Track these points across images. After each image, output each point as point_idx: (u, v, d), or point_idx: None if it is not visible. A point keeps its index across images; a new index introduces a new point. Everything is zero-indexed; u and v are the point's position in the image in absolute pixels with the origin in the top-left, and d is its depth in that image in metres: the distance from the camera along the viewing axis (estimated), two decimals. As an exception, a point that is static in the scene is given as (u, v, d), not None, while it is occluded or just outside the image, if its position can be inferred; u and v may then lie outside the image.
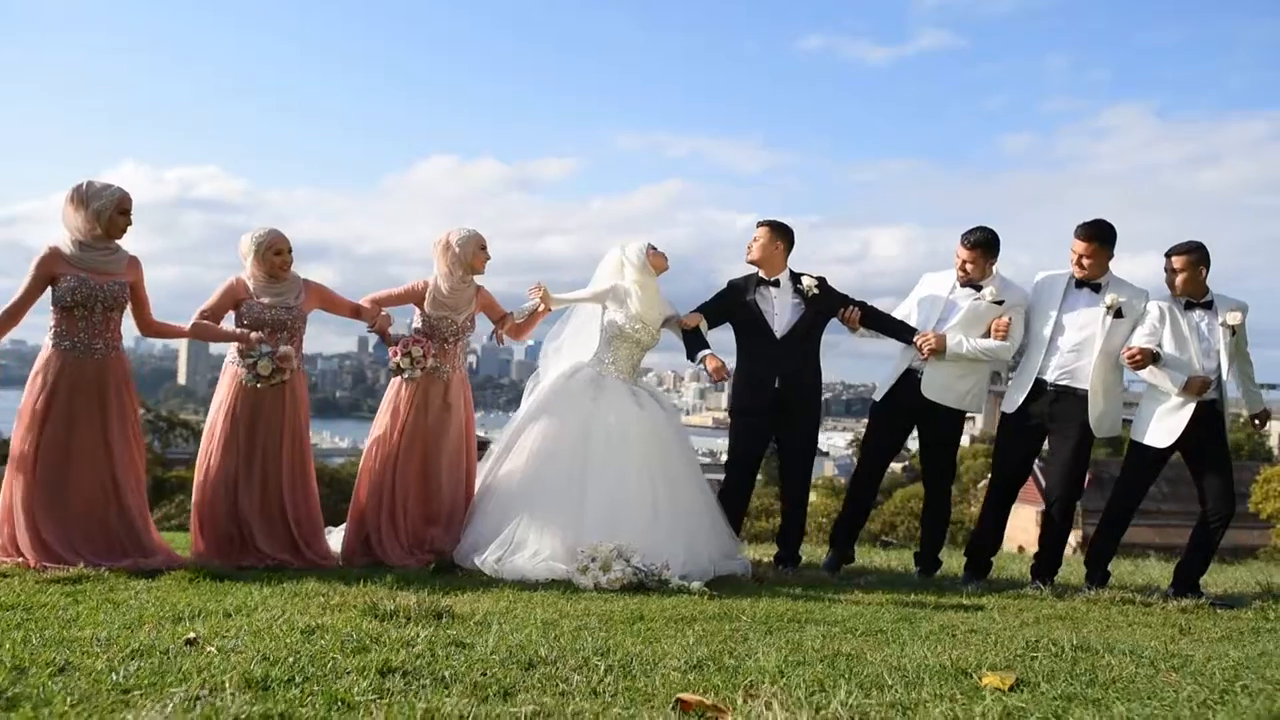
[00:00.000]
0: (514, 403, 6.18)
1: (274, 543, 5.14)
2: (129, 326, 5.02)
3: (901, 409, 5.81)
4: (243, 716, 2.00)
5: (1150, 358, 5.19)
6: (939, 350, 5.58)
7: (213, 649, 2.74)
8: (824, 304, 5.78)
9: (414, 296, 5.59)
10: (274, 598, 3.92)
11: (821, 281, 5.80)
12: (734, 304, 5.81)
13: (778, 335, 5.70)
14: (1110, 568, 5.69)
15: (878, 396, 6.00)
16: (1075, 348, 5.44)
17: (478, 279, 5.65)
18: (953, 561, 6.13)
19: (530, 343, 6.58)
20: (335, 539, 5.61)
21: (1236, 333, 5.26)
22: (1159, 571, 6.87)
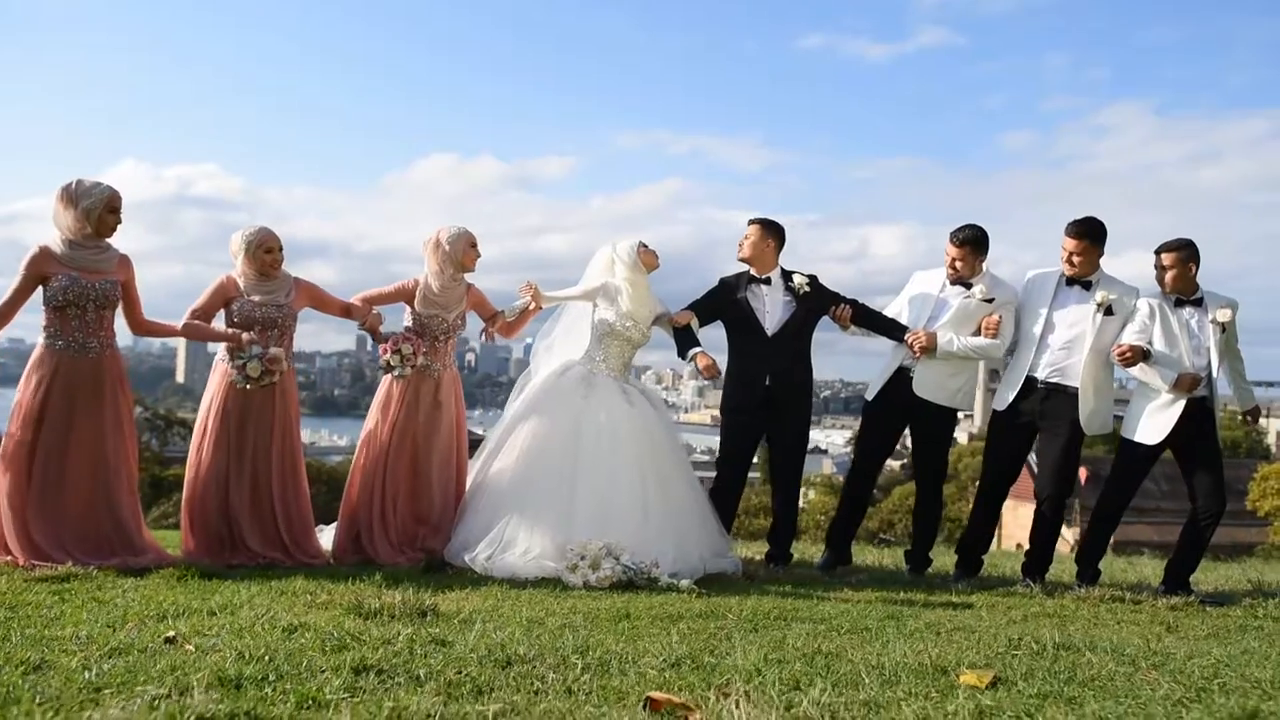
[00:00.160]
0: (513, 401, 6.16)
1: (264, 541, 5.14)
2: (121, 325, 5.03)
3: (894, 407, 5.81)
4: (208, 715, 2.00)
5: (1140, 355, 5.20)
6: (930, 349, 5.58)
7: (191, 647, 2.75)
8: (815, 302, 5.78)
9: (405, 295, 5.59)
10: (260, 596, 3.92)
11: (813, 279, 5.80)
12: (725, 302, 5.81)
13: (769, 333, 5.70)
14: (1104, 565, 5.70)
15: (870, 395, 6.00)
16: (1066, 345, 5.44)
17: (468, 277, 5.65)
18: (946, 559, 6.14)
19: (528, 341, 6.59)
20: (327, 537, 5.61)
21: (1227, 330, 5.26)
22: (1152, 569, 6.88)
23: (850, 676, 2.71)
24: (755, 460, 6.17)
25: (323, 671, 2.48)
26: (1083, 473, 21.35)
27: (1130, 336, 5.29)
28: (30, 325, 4.95)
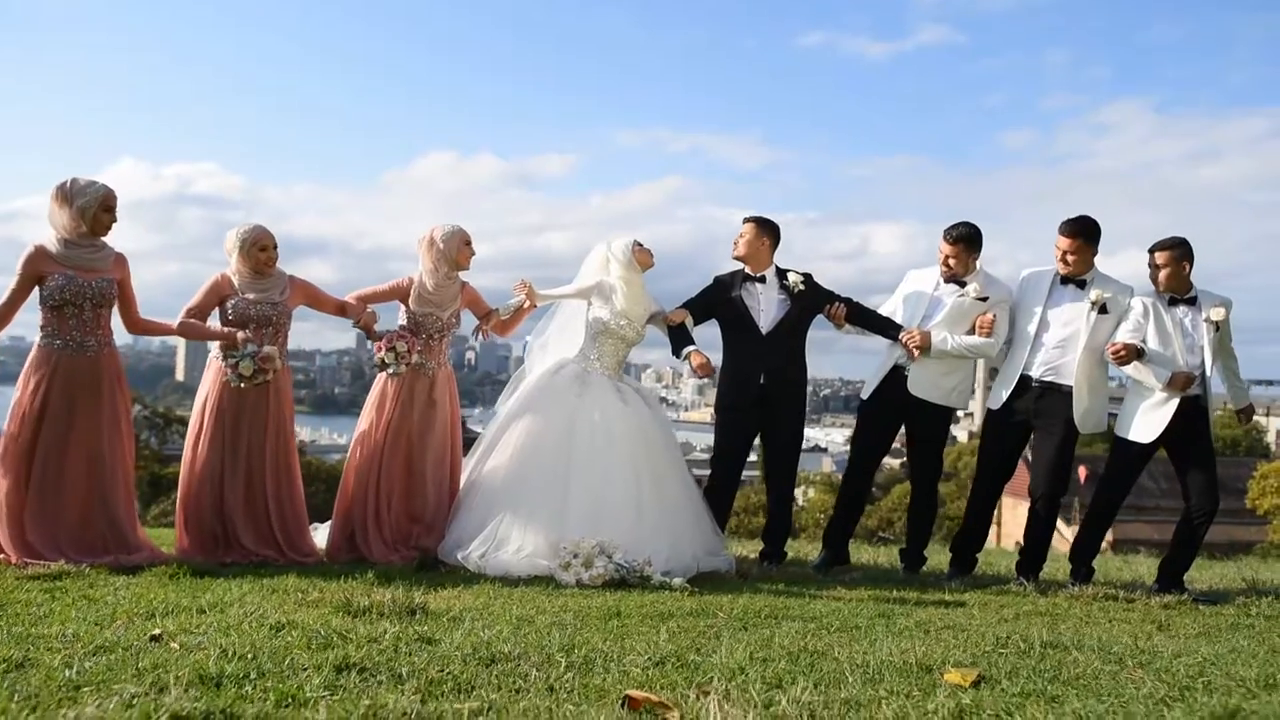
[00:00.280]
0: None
1: (258, 539, 5.14)
2: (117, 323, 5.03)
3: (889, 406, 5.81)
4: (183, 713, 2.00)
5: (1134, 353, 5.20)
6: (924, 347, 5.58)
7: (175, 645, 2.75)
8: (810, 300, 5.78)
9: (399, 293, 5.59)
10: (252, 594, 3.93)
11: (807, 278, 5.79)
12: (719, 300, 5.81)
13: (763, 331, 5.70)
14: (1100, 564, 5.70)
15: (865, 394, 6.00)
16: (1060, 344, 5.44)
17: (463, 275, 5.65)
18: (942, 558, 6.13)
19: (528, 339, 6.59)
20: (321, 535, 5.62)
21: (1220, 328, 5.26)
22: (1147, 568, 6.88)
23: (834, 675, 2.71)
24: (755, 459, 6.16)
25: (304, 670, 2.49)
26: (1082, 471, 21.36)
27: (1124, 335, 5.29)
28: (30, 324, 4.96)
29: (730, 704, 2.24)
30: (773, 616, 3.95)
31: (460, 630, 3.21)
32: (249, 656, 2.62)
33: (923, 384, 5.68)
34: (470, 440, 5.89)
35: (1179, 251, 5.27)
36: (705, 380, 6.03)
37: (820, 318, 5.87)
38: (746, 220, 5.89)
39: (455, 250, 5.51)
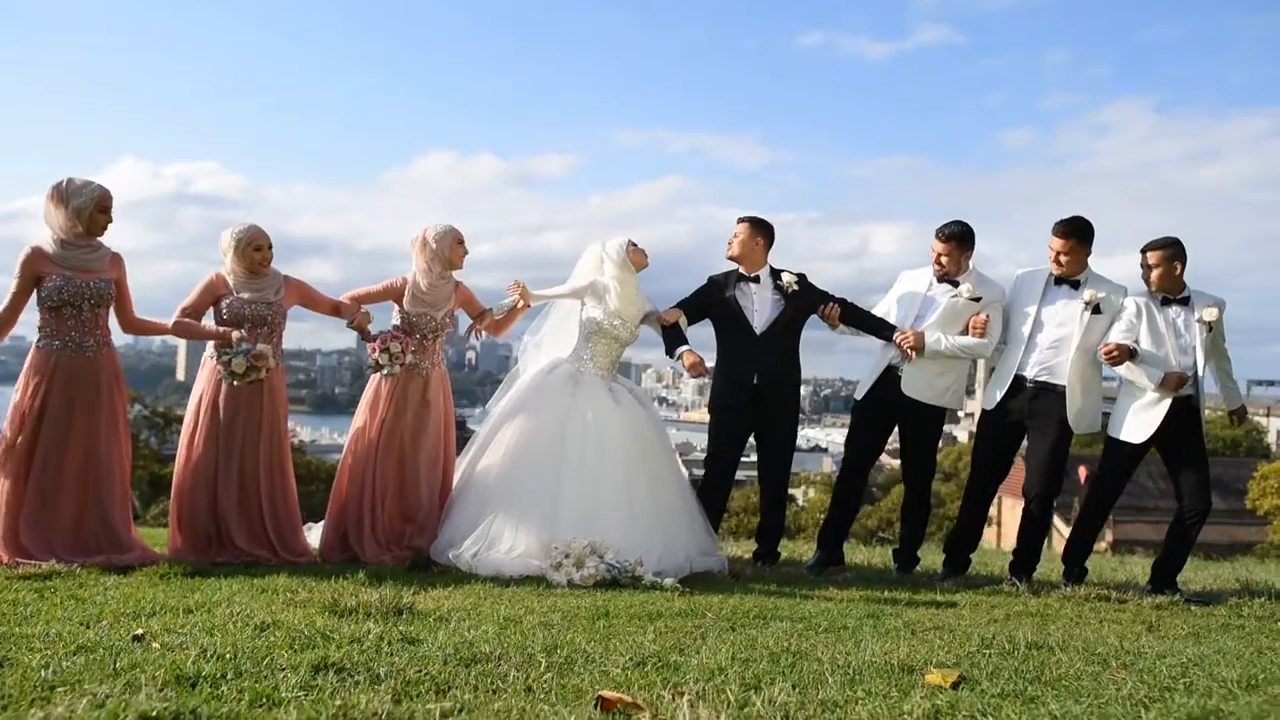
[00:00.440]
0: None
1: (250, 539, 5.15)
2: (113, 323, 5.03)
3: (883, 406, 5.80)
4: (152, 713, 1.99)
5: (1127, 354, 5.20)
6: (918, 348, 5.58)
7: (157, 646, 2.75)
8: (804, 300, 5.78)
9: (393, 293, 5.60)
10: (241, 594, 3.93)
11: (801, 278, 5.79)
12: (713, 300, 5.81)
13: (757, 331, 5.70)
14: (1097, 564, 5.69)
15: (859, 394, 6.00)
16: (1054, 344, 5.44)
17: (457, 274, 5.65)
18: (937, 558, 6.12)
19: (525, 338, 6.59)
20: (315, 535, 5.62)
21: (1213, 329, 5.25)
22: (1141, 568, 6.86)
23: (814, 676, 2.70)
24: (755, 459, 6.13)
25: (282, 670, 2.49)
26: (1082, 471, 21.33)
27: (1117, 335, 5.29)
28: (31, 324, 4.96)
29: (704, 705, 2.24)
30: (761, 617, 3.95)
31: (444, 630, 3.21)
32: (228, 657, 2.62)
33: (917, 384, 5.68)
34: (467, 439, 5.89)
35: (1171, 251, 5.27)
36: (705, 380, 6.02)
37: (814, 318, 5.88)
38: (741, 220, 5.90)
39: (448, 249, 5.51)
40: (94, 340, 4.84)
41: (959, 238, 5.61)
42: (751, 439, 5.92)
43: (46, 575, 4.24)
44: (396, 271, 5.65)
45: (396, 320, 5.58)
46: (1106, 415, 5.59)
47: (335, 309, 5.54)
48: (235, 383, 5.00)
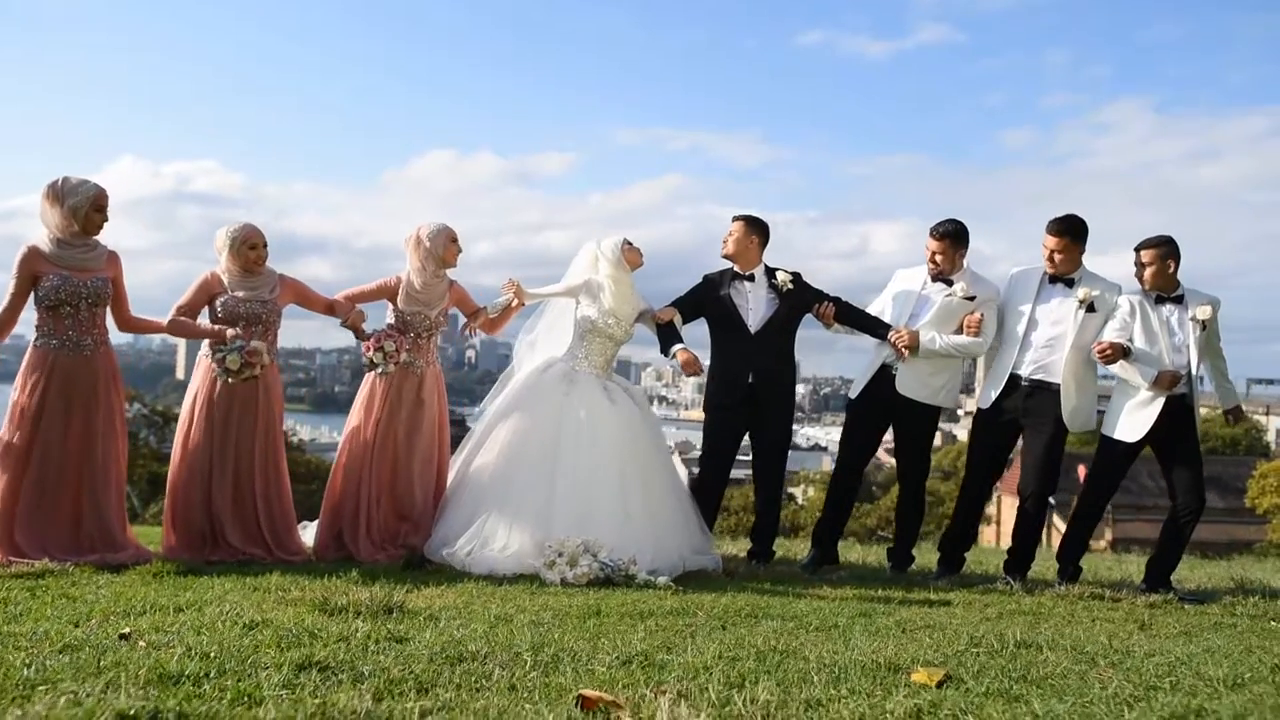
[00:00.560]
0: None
1: (245, 537, 5.15)
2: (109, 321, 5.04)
3: (877, 405, 5.80)
4: (130, 712, 1.99)
5: (1121, 352, 5.20)
6: (913, 347, 5.58)
7: (143, 644, 2.75)
8: (798, 299, 5.78)
9: (387, 292, 5.60)
10: (233, 593, 3.93)
11: (796, 276, 5.79)
12: (708, 298, 5.81)
13: (752, 330, 5.70)
14: (1094, 563, 5.69)
15: (853, 393, 6.00)
16: (1049, 343, 5.44)
17: (451, 273, 5.65)
18: (933, 556, 6.12)
19: (522, 337, 6.58)
20: (310, 533, 5.63)
21: (1207, 328, 5.25)
22: (1136, 567, 6.86)
23: (799, 674, 2.70)
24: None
25: (265, 668, 2.49)
26: (1081, 470, 21.32)
27: (1111, 334, 5.29)
28: (30, 322, 4.97)
29: (685, 703, 2.24)
30: (753, 615, 3.95)
31: (433, 629, 3.21)
32: (212, 655, 2.62)
33: (911, 383, 5.68)
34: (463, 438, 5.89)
35: (1164, 250, 5.27)
36: (704, 379, 6.02)
37: (809, 317, 5.88)
38: (736, 219, 5.90)
39: (442, 248, 5.51)
40: (91, 339, 4.85)
41: (953, 236, 5.62)
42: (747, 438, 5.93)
43: (39, 574, 4.25)
44: (395, 270, 5.65)
45: (391, 319, 5.59)
46: (1102, 414, 5.59)
47: (330, 308, 5.55)
48: (230, 380, 5.01)
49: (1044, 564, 6.15)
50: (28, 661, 2.47)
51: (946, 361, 5.70)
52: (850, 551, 7.25)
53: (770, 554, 5.94)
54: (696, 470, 6.15)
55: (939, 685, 2.67)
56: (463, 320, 5.89)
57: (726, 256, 5.83)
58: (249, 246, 5.20)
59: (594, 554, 4.79)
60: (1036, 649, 3.33)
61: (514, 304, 5.72)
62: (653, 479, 5.43)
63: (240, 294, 5.19)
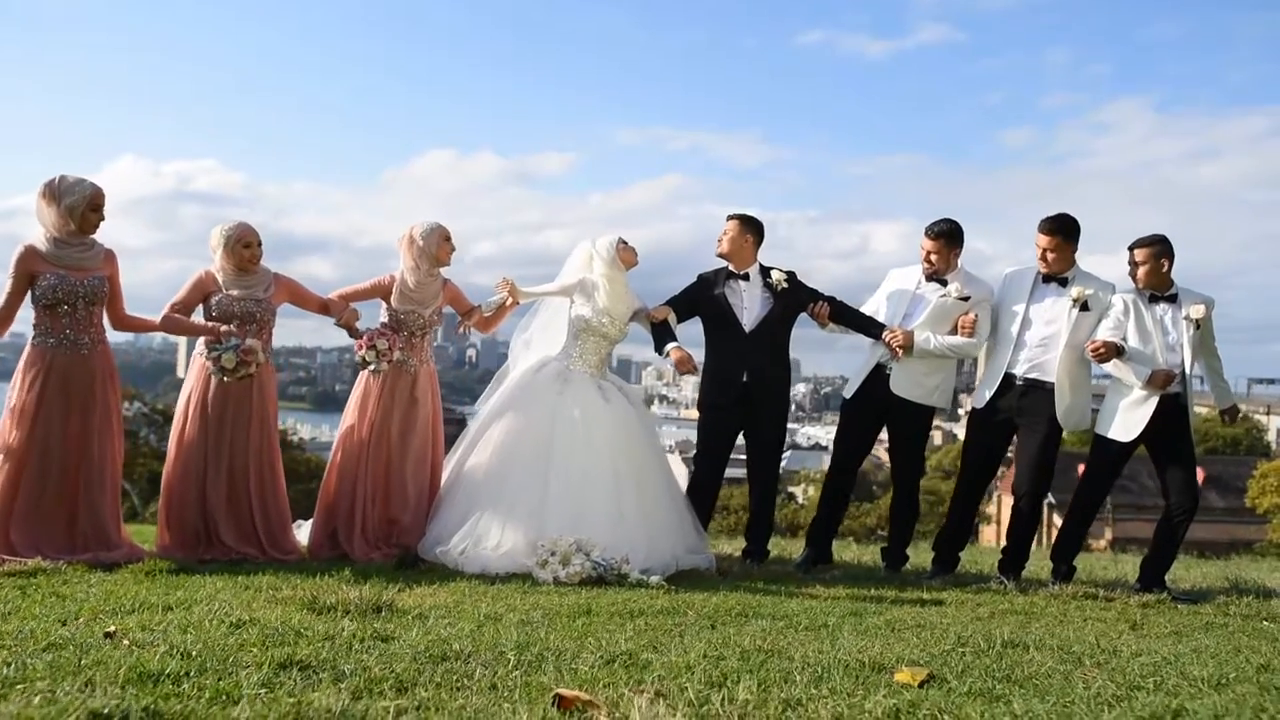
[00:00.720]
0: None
1: (239, 536, 5.15)
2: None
3: (871, 405, 5.80)
4: (103, 710, 1.99)
5: (1114, 351, 5.19)
6: (907, 347, 5.58)
7: (127, 643, 2.75)
8: (793, 298, 5.78)
9: (381, 291, 5.60)
10: (224, 592, 3.93)
11: (791, 276, 5.79)
12: (703, 297, 5.81)
13: (746, 329, 5.70)
14: (1088, 562, 5.68)
15: (848, 393, 6.00)
16: (1043, 342, 5.44)
17: (444, 271, 5.65)
18: (928, 556, 6.10)
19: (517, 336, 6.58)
20: (304, 532, 5.63)
21: (1201, 327, 5.25)
22: (1132, 566, 6.86)
23: (782, 674, 2.70)
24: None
25: (246, 667, 2.49)
26: (1081, 469, 21.27)
27: (1104, 332, 5.28)
28: (30, 320, 4.97)
29: (663, 703, 2.24)
30: (743, 615, 3.94)
31: (419, 628, 3.21)
32: (194, 654, 2.62)
33: (905, 383, 5.68)
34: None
35: (1158, 249, 5.27)
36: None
37: (804, 316, 5.88)
38: (731, 218, 5.90)
39: (435, 247, 5.51)
40: (88, 338, 4.85)
41: (948, 235, 5.62)
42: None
43: (32, 573, 4.24)
44: (396, 270, 5.64)
45: (384, 318, 5.59)
46: (1096, 413, 5.59)
47: (324, 307, 5.55)
48: (225, 378, 5.01)
49: (1040, 563, 6.14)
50: (9, 660, 2.47)
51: (941, 362, 5.70)
52: (846, 551, 7.25)
53: (765, 553, 5.94)
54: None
55: (921, 685, 2.67)
56: (458, 319, 5.89)
57: (721, 255, 5.83)
58: (243, 245, 5.21)
59: (587, 553, 4.79)
60: (1023, 649, 3.33)
61: (508, 303, 5.73)
62: (647, 478, 5.43)
63: (235, 292, 5.20)
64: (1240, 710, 2.46)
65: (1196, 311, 5.20)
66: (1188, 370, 5.21)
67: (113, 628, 2.95)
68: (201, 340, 5.18)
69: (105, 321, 5.03)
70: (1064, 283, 5.43)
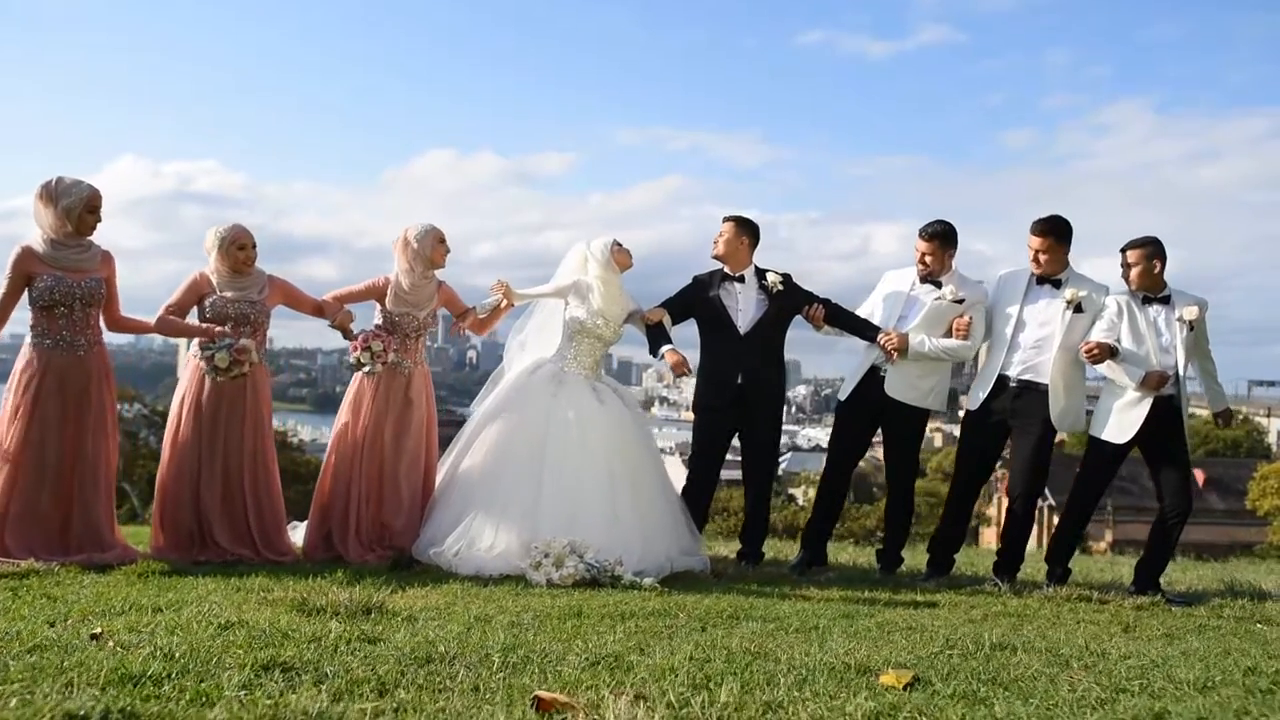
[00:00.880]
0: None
1: (233, 538, 5.15)
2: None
3: (866, 407, 5.80)
4: (79, 712, 1.99)
5: (1108, 352, 5.20)
6: (902, 349, 5.58)
7: (112, 644, 2.75)
8: (788, 300, 5.78)
9: (375, 293, 5.60)
10: (215, 593, 3.93)
11: (786, 278, 5.79)
12: (698, 299, 5.81)
13: (741, 331, 5.70)
14: (1084, 564, 5.67)
15: (843, 395, 6.00)
16: (1037, 344, 5.44)
17: (440, 274, 5.65)
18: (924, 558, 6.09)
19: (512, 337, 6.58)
20: (299, 534, 5.63)
21: (1195, 329, 5.25)
22: (1128, 569, 6.86)
23: (766, 676, 2.69)
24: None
25: (229, 669, 2.49)
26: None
27: (1098, 334, 5.29)
28: (26, 321, 4.99)
29: (642, 705, 2.23)
30: (734, 617, 3.93)
31: (407, 630, 3.21)
32: (178, 655, 2.62)
33: (900, 386, 5.68)
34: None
35: (1150, 250, 5.27)
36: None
37: (799, 318, 5.88)
38: (726, 219, 5.90)
39: (429, 249, 5.52)
40: (85, 339, 4.86)
41: (942, 236, 5.62)
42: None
43: (24, 574, 4.24)
44: (391, 271, 5.64)
45: (378, 320, 5.59)
46: (1091, 414, 5.59)
47: (318, 309, 5.55)
48: (219, 378, 5.02)
49: (1033, 566, 6.13)
50: (-11, 663, 2.47)
51: (935, 364, 5.70)
52: (841, 553, 7.25)
53: (760, 555, 5.94)
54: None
55: (906, 688, 2.66)
56: (453, 321, 5.89)
57: (717, 257, 5.83)
58: (238, 247, 5.21)
59: (580, 555, 4.78)
60: (1011, 651, 3.32)
61: (503, 304, 5.73)
62: (641, 480, 5.43)
63: (229, 294, 5.20)
64: (1223, 713, 2.46)
65: (1190, 313, 5.20)
66: (1181, 372, 5.21)
67: (99, 629, 2.95)
68: (195, 342, 5.18)
69: (101, 323, 5.04)
70: (1058, 284, 5.44)
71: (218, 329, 5.07)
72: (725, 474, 6.24)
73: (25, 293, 4.82)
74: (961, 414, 6.10)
